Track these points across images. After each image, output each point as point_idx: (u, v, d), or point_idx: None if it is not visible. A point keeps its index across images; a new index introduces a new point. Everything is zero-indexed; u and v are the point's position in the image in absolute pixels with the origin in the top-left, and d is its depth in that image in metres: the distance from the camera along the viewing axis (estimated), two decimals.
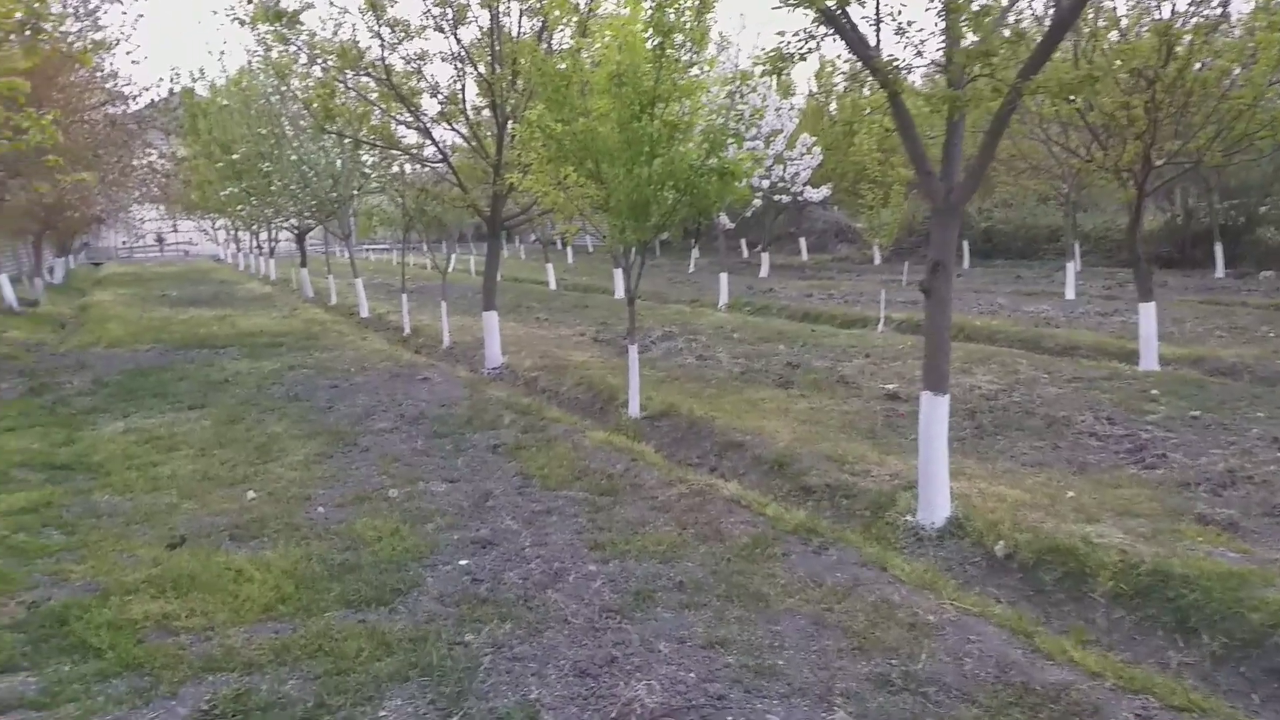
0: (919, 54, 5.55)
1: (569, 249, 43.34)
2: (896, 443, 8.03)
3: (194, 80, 24.06)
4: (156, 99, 14.67)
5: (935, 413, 5.85)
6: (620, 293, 23.72)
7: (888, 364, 11.59)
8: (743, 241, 37.57)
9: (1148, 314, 10.97)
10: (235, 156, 19.57)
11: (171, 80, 20.97)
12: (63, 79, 12.05)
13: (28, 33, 5.46)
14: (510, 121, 11.51)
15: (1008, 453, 7.85)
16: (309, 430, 9.15)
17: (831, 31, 5.40)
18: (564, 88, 8.58)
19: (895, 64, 5.26)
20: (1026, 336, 13.47)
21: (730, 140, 8.20)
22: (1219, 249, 21.95)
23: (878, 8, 5.54)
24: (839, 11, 5.29)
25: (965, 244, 27.38)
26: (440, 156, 12.15)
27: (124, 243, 55.68)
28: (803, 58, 5.39)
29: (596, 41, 8.77)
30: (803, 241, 35.14)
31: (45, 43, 5.88)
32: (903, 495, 6.47)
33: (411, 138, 12.92)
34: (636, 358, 9.61)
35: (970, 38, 5.41)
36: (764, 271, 28.01)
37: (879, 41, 5.61)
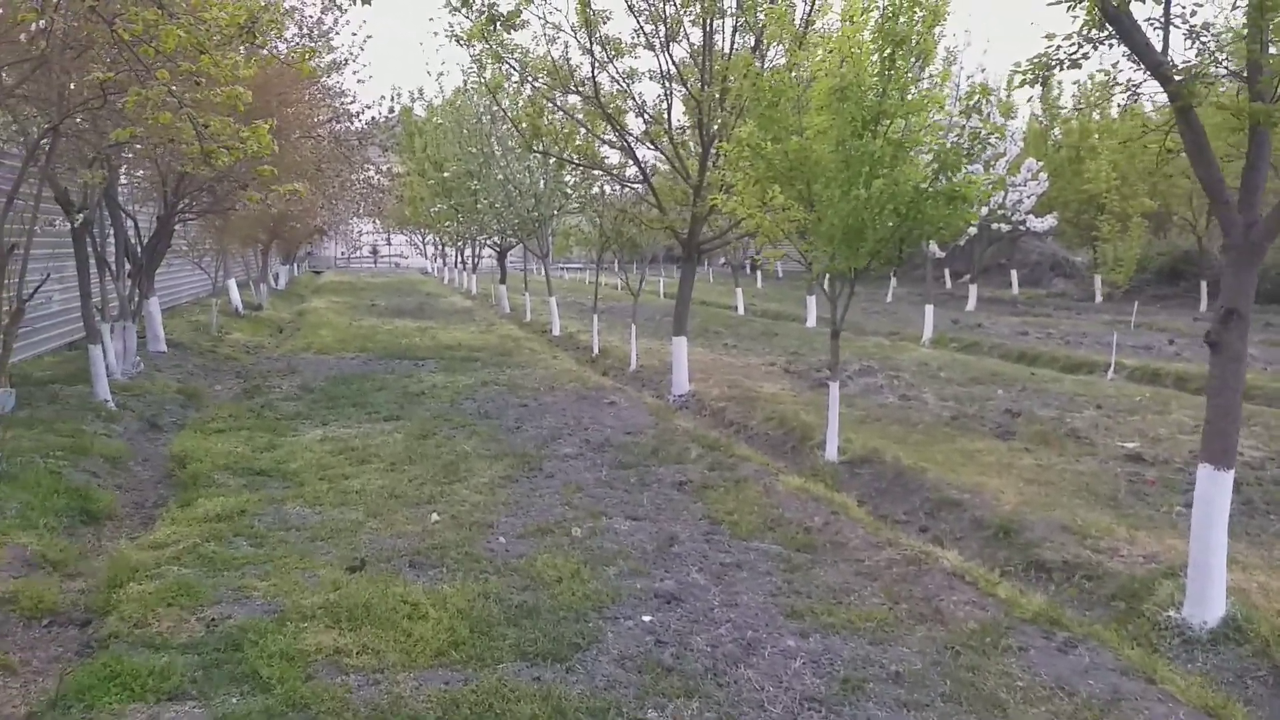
0: (1217, 62, 4.61)
1: (758, 273, 42.71)
2: (1146, 516, 6.90)
3: (413, 100, 25.31)
4: (378, 116, 15.39)
5: (1216, 491, 4.84)
6: (813, 321, 22.87)
7: (1124, 418, 10.26)
8: (946, 272, 35.63)
9: None
10: (446, 175, 20.26)
11: (392, 99, 22.23)
12: (294, 95, 12.65)
13: (245, 42, 5.46)
14: (715, 141, 11.07)
15: None
16: (496, 451, 8.98)
17: (1109, 35, 4.57)
18: (777, 103, 8.02)
19: (1192, 70, 4.37)
20: None
21: (965, 161, 7.37)
22: None
23: (1168, 7, 4.66)
24: (1120, 9, 4.45)
25: (1203, 285, 24.67)
26: (641, 177, 11.87)
27: (342, 253, 59.76)
28: (1075, 65, 4.59)
29: (814, 55, 8.18)
30: (1014, 274, 32.83)
31: (262, 48, 5.89)
32: (1162, 584, 5.44)
33: (614, 158, 12.75)
34: (837, 396, 8.87)
35: None
36: (971, 304, 26.30)
37: (1166, 46, 4.72)
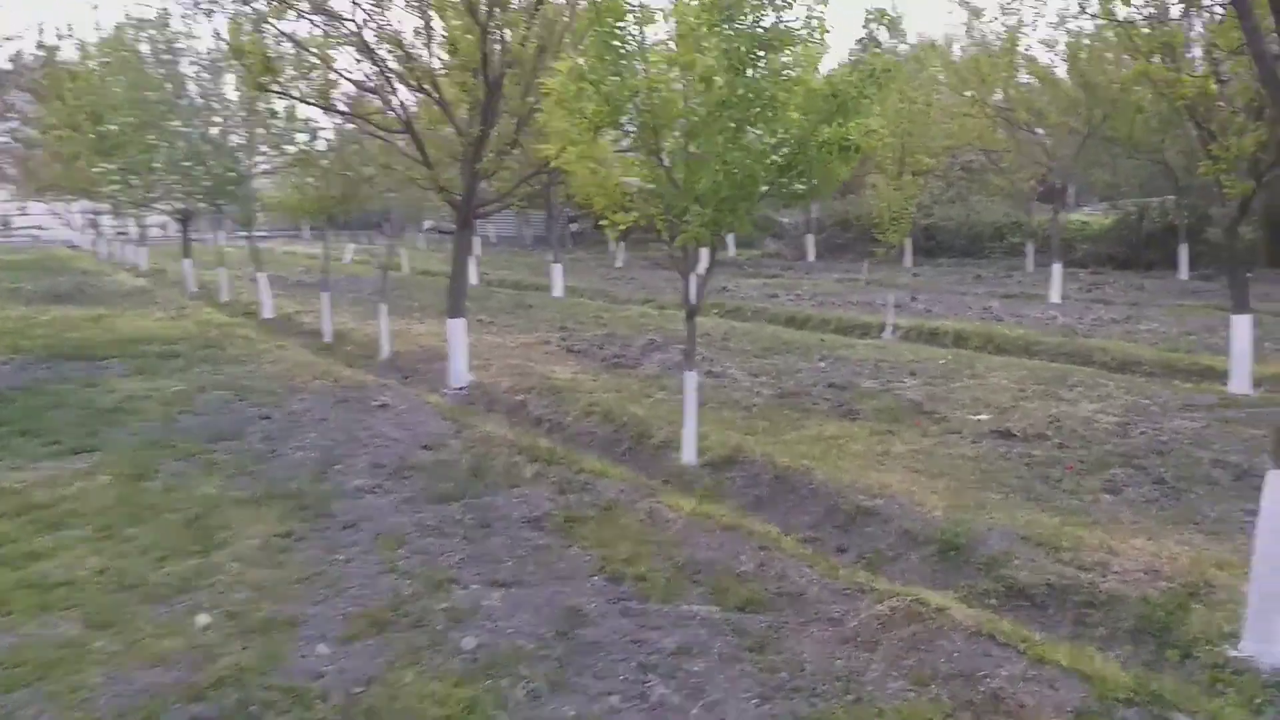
0: None
1: (477, 239, 40.48)
2: (1078, 507, 6.12)
3: (60, 38, 20.23)
4: (24, 54, 11.59)
5: None
6: (559, 290, 21.40)
7: (947, 385, 9.75)
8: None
9: (1242, 328, 9.52)
10: (114, 127, 16.28)
11: (39, 34, 17.53)
12: None
13: None
14: (500, 86, 9.14)
15: (1235, 523, 5.82)
16: (255, 492, 6.63)
17: None
18: (619, 29, 6.32)
19: None
20: (1072, 350, 11.88)
21: (864, 104, 6.11)
22: (1184, 250, 21.16)
23: None
24: None
25: (909, 241, 26.16)
26: (402, 124, 9.64)
27: None
28: None
29: None
30: (730, 237, 33.39)
31: None
32: (1193, 610, 4.53)
33: (364, 101, 10.36)
34: (694, 388, 7.49)
35: None
36: (702, 267, 26.10)
37: None
